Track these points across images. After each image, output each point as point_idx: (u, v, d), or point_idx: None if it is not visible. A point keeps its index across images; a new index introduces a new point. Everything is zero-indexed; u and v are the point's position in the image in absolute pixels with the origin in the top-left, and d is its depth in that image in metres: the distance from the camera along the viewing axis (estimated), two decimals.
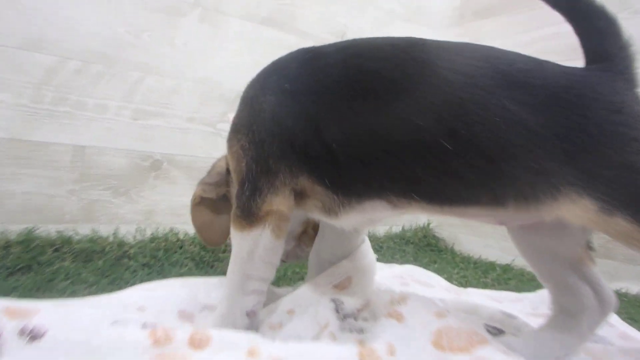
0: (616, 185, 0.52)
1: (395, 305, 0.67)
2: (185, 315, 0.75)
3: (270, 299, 0.78)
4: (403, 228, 1.75)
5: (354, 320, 0.69)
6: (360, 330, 0.67)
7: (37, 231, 1.07)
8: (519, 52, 0.62)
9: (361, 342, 0.60)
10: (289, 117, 0.66)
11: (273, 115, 0.67)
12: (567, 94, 0.55)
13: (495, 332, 0.74)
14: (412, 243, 1.69)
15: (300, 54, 0.72)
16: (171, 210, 1.26)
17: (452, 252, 1.68)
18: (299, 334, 0.67)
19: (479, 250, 1.64)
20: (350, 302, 0.72)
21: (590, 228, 0.57)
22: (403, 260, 1.41)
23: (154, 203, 1.24)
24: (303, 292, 0.77)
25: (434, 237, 1.79)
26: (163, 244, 1.16)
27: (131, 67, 1.19)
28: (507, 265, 1.48)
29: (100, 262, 1.03)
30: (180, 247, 1.18)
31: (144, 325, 0.53)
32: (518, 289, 1.20)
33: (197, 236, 0.94)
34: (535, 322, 0.79)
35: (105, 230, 1.15)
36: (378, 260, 0.95)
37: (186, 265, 1.12)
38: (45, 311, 0.52)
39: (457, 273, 1.37)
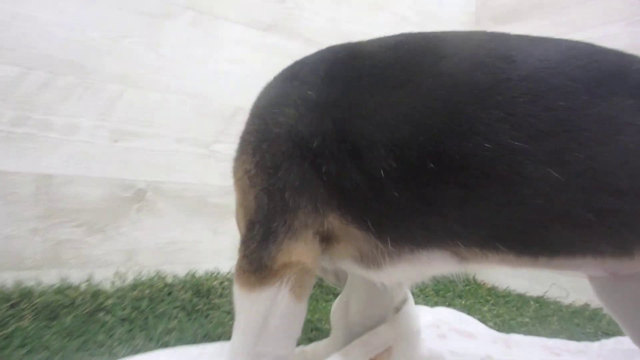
0: None
1: None
2: None
3: None
4: None
5: None
6: None
7: None
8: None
9: None
10: (315, 135, 0.51)
11: (291, 131, 0.52)
12: None
13: None
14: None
15: (330, 53, 0.57)
16: (157, 248, 1.10)
17: (476, 284, 1.56)
18: None
19: (505, 280, 1.52)
20: None
21: None
22: (423, 295, 1.30)
23: (136, 241, 1.08)
24: None
25: None
26: (147, 291, 1.00)
27: (108, 78, 1.04)
28: (541, 298, 1.38)
29: (69, 319, 0.86)
30: (169, 294, 1.02)
31: None
32: (563, 328, 1.12)
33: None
34: None
35: (76, 276, 0.99)
36: None
37: (175, 317, 0.96)
38: None
39: (490, 311, 1.26)
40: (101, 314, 0.90)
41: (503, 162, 0.44)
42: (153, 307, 0.95)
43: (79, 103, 1.00)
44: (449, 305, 1.19)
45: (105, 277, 1.01)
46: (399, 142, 0.48)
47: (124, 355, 0.74)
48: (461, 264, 0.51)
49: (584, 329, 1.13)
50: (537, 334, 1.06)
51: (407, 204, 0.48)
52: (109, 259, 1.03)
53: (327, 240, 0.53)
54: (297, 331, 0.55)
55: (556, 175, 0.43)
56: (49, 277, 0.95)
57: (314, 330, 0.96)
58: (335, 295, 1.19)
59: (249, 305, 0.53)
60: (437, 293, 1.38)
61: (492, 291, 1.44)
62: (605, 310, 0.65)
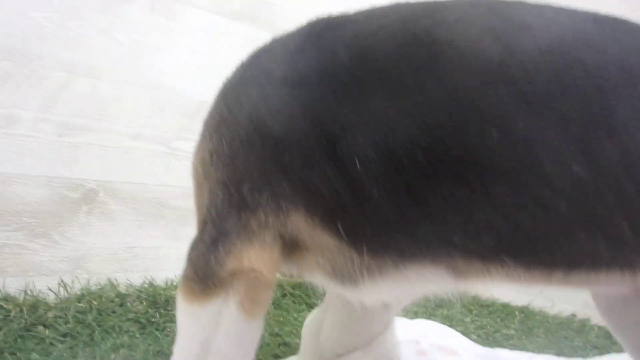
0: None
1: None
2: None
3: None
4: None
5: None
6: None
7: None
8: None
9: None
10: (279, 118, 0.43)
11: (252, 114, 0.44)
12: None
13: None
14: None
15: (308, 25, 0.50)
16: (110, 255, 1.01)
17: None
18: None
19: (487, 288, 1.45)
20: None
21: None
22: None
23: (85, 247, 0.98)
24: None
25: None
26: (95, 302, 0.90)
27: (53, 66, 0.94)
28: (526, 308, 1.33)
29: (0, 335, 0.76)
30: (120, 305, 0.92)
31: None
32: (550, 341, 1.09)
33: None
34: None
35: (13, 286, 0.89)
36: None
37: (127, 331, 0.87)
38: None
39: (472, 322, 1.21)
40: (39, 328, 0.80)
41: (515, 155, 0.36)
42: (101, 320, 0.85)
43: (17, 93, 0.91)
44: (430, 316, 1.13)
45: (48, 286, 0.92)
46: (380, 127, 0.39)
47: None
48: (458, 281, 0.43)
49: (572, 342, 1.10)
50: (524, 347, 1.02)
51: (390, 205, 0.40)
52: (52, 267, 0.94)
53: (291, 246, 0.45)
54: (248, 355, 0.46)
55: (581, 172, 0.36)
56: None
57: (282, 345, 0.88)
58: (308, 305, 1.11)
59: (189, 321, 0.45)
60: (416, 302, 1.32)
61: (476, 301, 1.38)
62: (594, 322, 0.58)
